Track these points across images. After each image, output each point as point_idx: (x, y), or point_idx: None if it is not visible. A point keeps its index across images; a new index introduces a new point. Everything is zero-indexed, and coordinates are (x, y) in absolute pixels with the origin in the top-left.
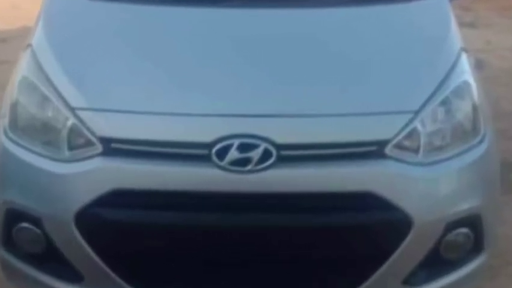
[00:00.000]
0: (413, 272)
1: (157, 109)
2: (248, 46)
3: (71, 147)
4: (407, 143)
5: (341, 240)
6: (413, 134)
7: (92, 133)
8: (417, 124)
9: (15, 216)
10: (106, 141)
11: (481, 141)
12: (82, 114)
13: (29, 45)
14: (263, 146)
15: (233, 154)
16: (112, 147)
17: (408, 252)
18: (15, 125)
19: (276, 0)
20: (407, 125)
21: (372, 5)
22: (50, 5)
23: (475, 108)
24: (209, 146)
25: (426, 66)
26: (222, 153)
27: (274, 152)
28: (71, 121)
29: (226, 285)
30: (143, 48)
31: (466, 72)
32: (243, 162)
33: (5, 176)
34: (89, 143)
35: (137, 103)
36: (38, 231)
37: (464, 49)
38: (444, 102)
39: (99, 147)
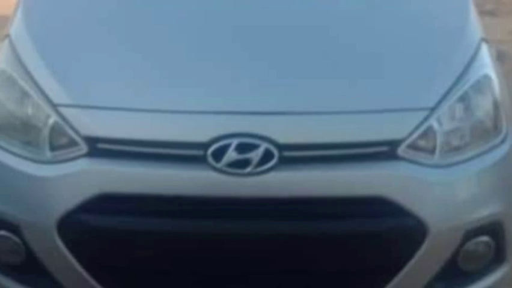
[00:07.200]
0: (428, 284)
1: (148, 106)
2: (248, 36)
3: (53, 148)
4: (421, 143)
5: (349, 249)
6: (428, 133)
7: (76, 132)
8: (433, 122)
9: None
10: (91, 141)
11: (502, 141)
12: (65, 111)
13: (7, 35)
14: (264, 146)
15: (231, 155)
16: (98, 148)
17: (424, 263)
18: None
19: None
20: (421, 123)
21: None
22: None
23: (496, 104)
24: (204, 146)
25: (443, 59)
26: (219, 154)
27: (276, 152)
28: (53, 119)
29: None
30: (132, 39)
31: (486, 65)
32: (241, 164)
33: None
34: (73, 143)
35: (126, 99)
36: (16, 239)
37: (484, 40)
38: (463, 98)
39: (84, 148)
